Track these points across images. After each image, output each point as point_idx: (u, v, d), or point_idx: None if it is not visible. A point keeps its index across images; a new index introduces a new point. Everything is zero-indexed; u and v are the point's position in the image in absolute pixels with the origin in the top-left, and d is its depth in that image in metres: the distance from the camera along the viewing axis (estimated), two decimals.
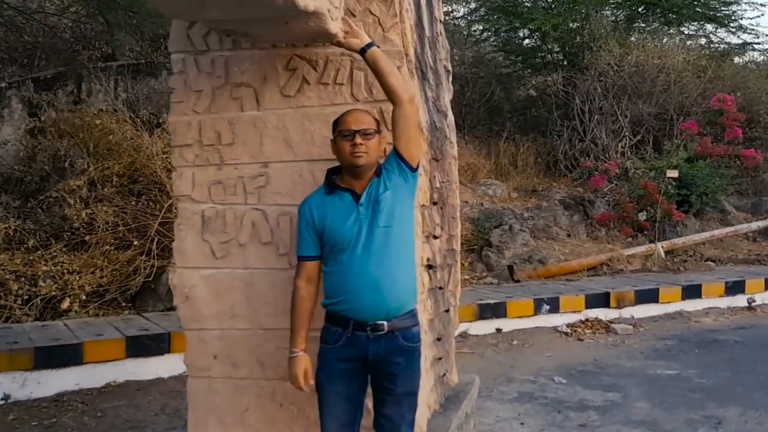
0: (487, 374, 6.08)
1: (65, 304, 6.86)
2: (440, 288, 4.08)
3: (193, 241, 3.51)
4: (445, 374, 4.18)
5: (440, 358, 4.06)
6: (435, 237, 4.02)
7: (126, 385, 5.65)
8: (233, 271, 3.48)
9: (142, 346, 5.77)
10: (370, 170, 3.09)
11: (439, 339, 4.02)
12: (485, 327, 7.48)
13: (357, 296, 3.01)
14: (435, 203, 4.04)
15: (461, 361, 6.73)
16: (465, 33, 16.33)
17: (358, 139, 3.02)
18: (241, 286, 3.47)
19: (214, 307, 3.50)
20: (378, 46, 3.12)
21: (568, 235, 11.20)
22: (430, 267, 3.90)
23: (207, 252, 3.50)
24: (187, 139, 3.49)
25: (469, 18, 16.40)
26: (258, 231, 3.45)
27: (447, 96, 4.49)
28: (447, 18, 15.80)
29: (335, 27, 3.06)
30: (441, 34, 4.42)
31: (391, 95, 3.08)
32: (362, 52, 3.10)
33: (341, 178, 3.14)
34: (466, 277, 9.71)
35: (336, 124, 3.11)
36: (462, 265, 10.34)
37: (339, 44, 3.11)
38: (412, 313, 3.12)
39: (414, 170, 3.13)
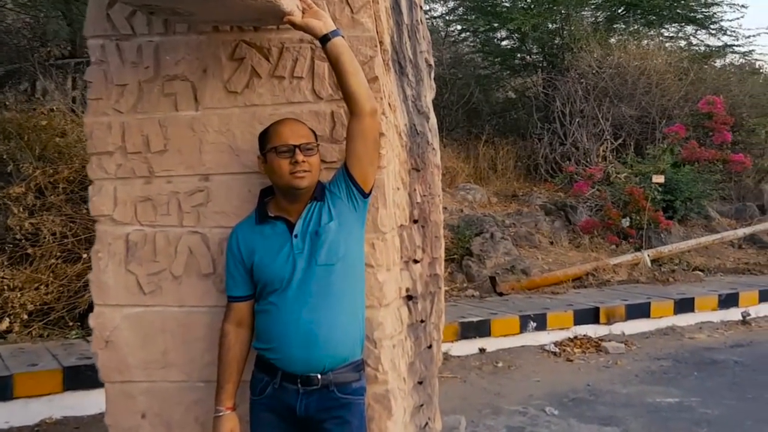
0: (471, 404, 5.38)
1: (4, 325, 6.05)
2: (422, 321, 3.36)
3: (115, 272, 2.75)
4: (427, 423, 3.46)
5: (422, 405, 3.35)
6: (416, 261, 3.30)
7: (63, 423, 4.86)
8: (165, 310, 2.74)
9: (82, 378, 4.96)
10: (309, 192, 2.42)
11: (420, 382, 3.30)
12: (468, 347, 6.79)
13: (287, 346, 2.40)
14: (415, 221, 3.32)
15: (442, 388, 5.99)
16: (443, 33, 15.66)
17: (300, 156, 2.36)
18: (175, 328, 2.73)
19: (141, 355, 2.75)
20: (344, 36, 2.41)
21: (551, 243, 10.55)
22: (410, 298, 3.18)
23: (132, 286, 2.75)
24: (107, 145, 2.74)
25: (446, 18, 15.74)
26: (196, 260, 2.71)
27: (429, 95, 3.77)
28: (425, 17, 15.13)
29: (289, 3, 2.34)
30: (422, 23, 3.71)
31: (350, 103, 2.41)
32: (324, 40, 2.38)
33: (274, 202, 2.46)
34: (446, 288, 9.02)
35: (265, 137, 2.44)
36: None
37: (295, 26, 2.39)
38: (356, 366, 2.50)
39: (366, 195, 2.49)
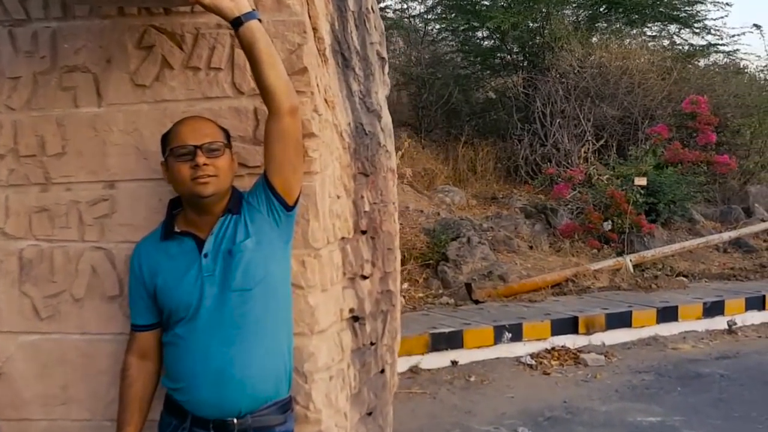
0: (440, 424, 5.05)
1: None
2: (372, 344, 3.02)
3: (7, 294, 2.40)
4: None
5: None
6: (364, 277, 2.96)
7: None
8: (65, 338, 2.39)
9: None
10: (220, 202, 2.05)
11: (370, 413, 2.96)
12: (439, 360, 6.44)
13: (196, 386, 2.04)
14: (364, 232, 2.98)
15: (410, 405, 5.71)
16: (421, 32, 15.33)
17: (201, 158, 2.01)
18: (76, 358, 2.38)
19: (38, 389, 2.39)
20: (260, 20, 2.06)
21: (531, 248, 10.22)
22: (356, 320, 2.84)
23: (27, 310, 2.39)
24: None
25: (425, 17, 15.39)
26: (100, 280, 2.36)
27: (382, 91, 3.43)
28: (402, 15, 14.82)
29: None
30: (373, 11, 3.36)
31: (267, 99, 2.06)
32: (236, 23, 2.03)
33: (183, 215, 2.11)
34: (421, 295, 8.70)
35: (166, 139, 2.08)
36: (416, 281, 9.40)
37: (203, 6, 2.03)
38: (282, 406, 2.15)
39: (290, 208, 2.14)
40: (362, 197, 2.98)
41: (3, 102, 2.37)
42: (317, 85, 2.42)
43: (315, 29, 2.43)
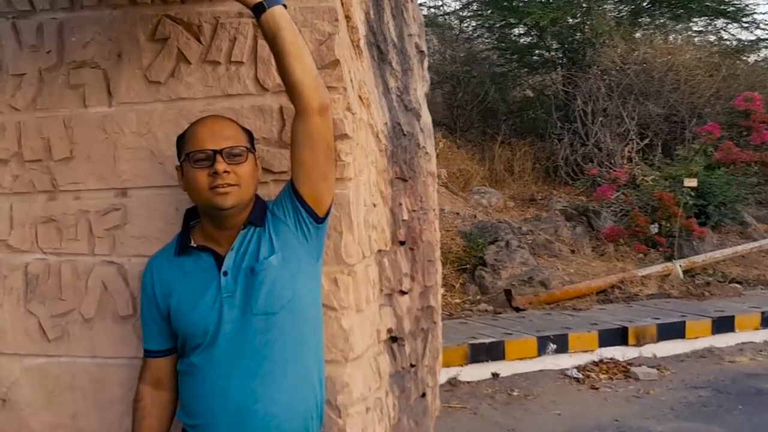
0: None
1: None
2: (412, 366, 2.78)
3: (12, 312, 2.20)
4: None
5: None
6: (402, 293, 2.73)
7: None
8: (75, 362, 2.18)
9: None
10: (242, 213, 1.83)
11: None
12: (479, 372, 6.17)
13: (214, 424, 1.82)
14: (402, 243, 2.74)
15: (449, 421, 5.45)
16: (456, 30, 15.05)
17: (221, 165, 1.78)
18: (87, 385, 2.18)
19: (45, 416, 2.19)
20: (285, 6, 1.83)
21: (572, 252, 9.89)
22: (394, 340, 2.60)
23: (34, 331, 2.19)
24: None
25: (460, 14, 15.12)
26: (112, 298, 2.15)
27: (421, 88, 3.19)
28: (436, 12, 14.56)
29: None
30: (411, 0, 3.12)
31: (293, 96, 1.82)
32: (257, 9, 1.80)
33: (200, 227, 1.88)
34: (458, 300, 8.43)
35: (182, 142, 1.85)
36: (452, 286, 9.13)
37: None
38: None
39: (321, 220, 1.89)
40: (400, 204, 2.74)
41: (6, 102, 2.17)
42: (351, 80, 2.19)
43: (348, 17, 2.20)
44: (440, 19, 14.71)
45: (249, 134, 1.94)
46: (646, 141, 12.26)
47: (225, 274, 1.86)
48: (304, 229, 1.90)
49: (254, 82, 2.08)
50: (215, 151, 1.81)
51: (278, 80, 2.06)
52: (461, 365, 6.16)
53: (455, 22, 15.22)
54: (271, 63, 2.06)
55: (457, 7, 15.14)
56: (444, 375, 6.07)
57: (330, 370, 2.03)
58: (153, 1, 2.11)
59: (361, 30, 2.39)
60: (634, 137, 12.06)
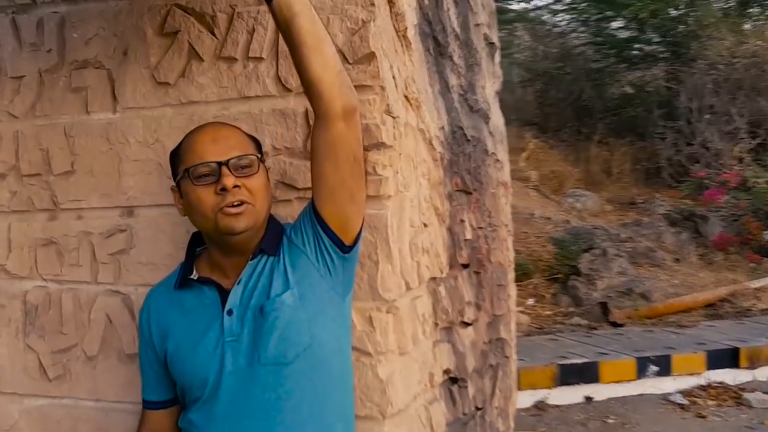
0: None
1: None
2: (477, 409, 2.41)
3: (9, 346, 1.96)
4: None
5: None
6: (465, 324, 2.36)
7: None
8: (77, 405, 1.92)
9: None
10: (255, 238, 1.52)
11: None
12: (570, 395, 5.70)
13: None
14: (465, 266, 2.38)
15: None
16: (548, 24, 14.48)
17: (229, 179, 1.45)
18: (90, 430, 1.91)
19: None
20: None
21: (676, 261, 9.21)
22: (454, 381, 2.24)
23: (33, 368, 1.95)
24: None
25: (552, 8, 14.52)
26: (117, 333, 1.88)
27: (491, 85, 2.80)
28: (527, 7, 14.04)
29: None
30: None
31: (312, 95, 1.48)
32: None
33: (207, 254, 1.55)
34: (549, 312, 7.97)
35: (176, 156, 1.53)
36: (542, 297, 8.65)
37: None
38: None
39: (347, 249, 1.53)
40: (462, 222, 2.37)
41: (5, 108, 1.94)
42: (393, 77, 1.84)
43: (391, 2, 1.85)
44: (531, 13, 14.18)
45: (256, 143, 1.62)
46: (758, 140, 11.38)
47: (229, 313, 1.54)
48: (326, 260, 1.56)
49: (275, 81, 1.76)
50: (220, 164, 1.50)
51: None
52: (549, 387, 5.71)
53: (547, 16, 14.66)
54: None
55: (550, 1, 14.56)
56: (530, 398, 5.65)
57: (363, 429, 1.69)
58: None
59: (411, 18, 2.04)
60: (744, 136, 11.21)
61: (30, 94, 1.91)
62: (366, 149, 1.72)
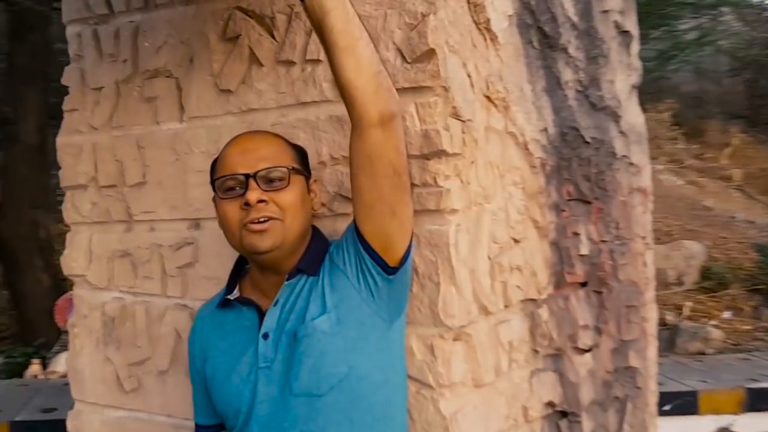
0: None
1: None
2: None
3: (91, 357, 2.00)
4: None
5: None
6: (581, 350, 2.11)
7: None
8: (151, 419, 1.91)
9: None
10: (292, 256, 1.38)
11: None
12: (760, 423, 5.12)
13: None
14: (584, 284, 2.13)
15: None
16: (758, 8, 13.23)
17: (254, 193, 1.35)
18: None
19: None
20: None
21: None
22: (563, 415, 2.01)
23: (111, 380, 1.97)
24: (77, 175, 1.99)
25: None
26: (185, 348, 1.84)
27: (624, 79, 2.48)
28: None
29: None
30: None
31: (345, 101, 1.34)
32: None
33: (250, 274, 1.45)
34: (747, 327, 7.25)
35: (213, 166, 1.46)
36: (741, 310, 7.88)
37: None
38: None
39: (392, 271, 1.37)
40: (576, 235, 2.12)
41: (86, 119, 1.97)
42: (469, 75, 1.65)
43: None
44: None
45: (299, 153, 1.50)
46: None
47: (265, 336, 1.44)
48: (369, 282, 1.41)
49: (332, 85, 1.63)
50: (248, 176, 1.40)
51: None
52: (735, 413, 5.16)
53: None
54: None
55: None
56: (712, 424, 5.13)
57: None
58: None
59: (503, 8, 1.83)
60: None
61: (108, 105, 1.93)
62: (426, 158, 1.55)
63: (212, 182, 1.47)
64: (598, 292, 2.22)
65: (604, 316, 2.23)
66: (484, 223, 1.69)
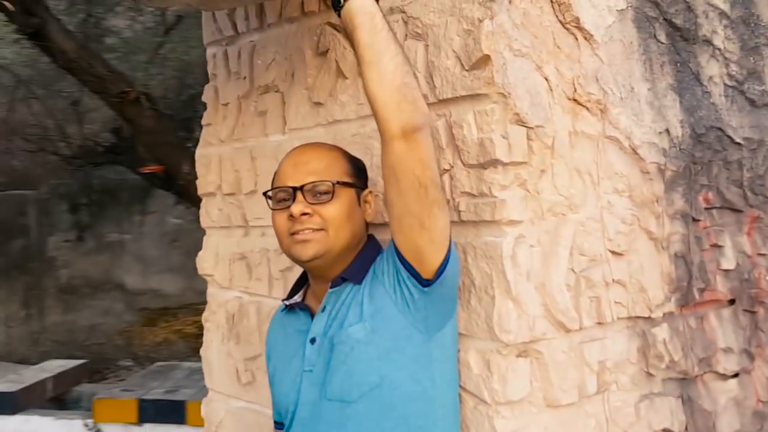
0: None
1: None
2: None
3: (218, 350, 2.21)
4: None
5: None
6: (725, 376, 1.94)
7: None
8: (263, 411, 2.07)
9: None
10: (338, 265, 1.48)
11: None
12: None
13: None
14: (731, 302, 1.96)
15: None
16: None
17: (298, 206, 1.45)
18: None
19: None
20: None
21: None
22: None
23: (232, 372, 2.16)
24: (208, 184, 2.21)
25: None
26: None
27: None
28: None
29: None
30: None
31: (373, 112, 1.39)
32: (336, 5, 1.43)
33: (309, 281, 1.58)
34: None
35: (273, 177, 1.57)
36: None
37: None
38: None
39: (427, 283, 1.39)
40: (716, 247, 1.94)
41: (216, 133, 2.18)
42: (546, 78, 1.60)
43: None
44: None
45: (354, 165, 1.56)
46: None
47: (312, 341, 1.52)
48: (404, 294, 1.44)
49: None
50: (295, 189, 1.50)
51: (423, 90, 1.62)
52: None
53: None
54: (416, 68, 1.63)
55: None
56: None
57: None
58: (320, 7, 1.86)
59: (612, 2, 1.74)
60: None
61: (231, 119, 2.12)
62: (482, 167, 1.53)
63: (267, 192, 1.58)
64: (751, 312, 2.02)
65: (758, 339, 2.03)
66: (565, 234, 1.62)
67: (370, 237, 1.59)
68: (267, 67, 2.00)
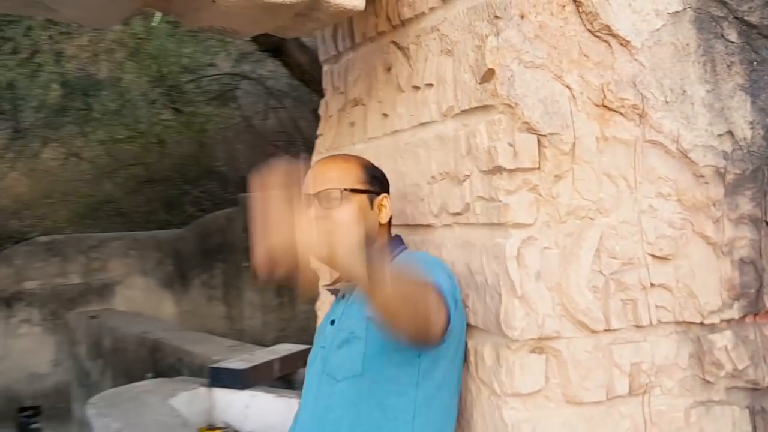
0: None
1: None
2: None
3: None
4: None
5: None
6: None
7: None
8: None
9: None
10: None
11: None
12: None
13: None
14: None
15: None
16: None
17: (313, 211, 1.66)
18: None
19: None
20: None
21: None
22: None
23: None
24: None
25: None
26: None
27: None
28: None
29: None
30: None
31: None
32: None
33: None
34: None
35: None
36: None
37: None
38: None
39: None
40: None
41: (323, 143, 2.46)
42: (568, 87, 1.68)
43: (577, 2, 1.69)
44: None
45: (370, 174, 1.76)
46: None
47: (332, 323, 1.77)
48: None
49: (436, 106, 1.83)
50: (312, 196, 1.74)
51: (453, 102, 1.78)
52: None
53: None
54: (447, 82, 1.79)
55: None
56: None
57: None
58: (394, 25, 2.07)
59: (663, 4, 1.77)
60: None
61: (333, 130, 2.39)
62: (491, 173, 1.66)
63: None
64: None
65: None
66: (589, 237, 1.69)
67: (395, 237, 1.78)
68: (355, 83, 2.25)
